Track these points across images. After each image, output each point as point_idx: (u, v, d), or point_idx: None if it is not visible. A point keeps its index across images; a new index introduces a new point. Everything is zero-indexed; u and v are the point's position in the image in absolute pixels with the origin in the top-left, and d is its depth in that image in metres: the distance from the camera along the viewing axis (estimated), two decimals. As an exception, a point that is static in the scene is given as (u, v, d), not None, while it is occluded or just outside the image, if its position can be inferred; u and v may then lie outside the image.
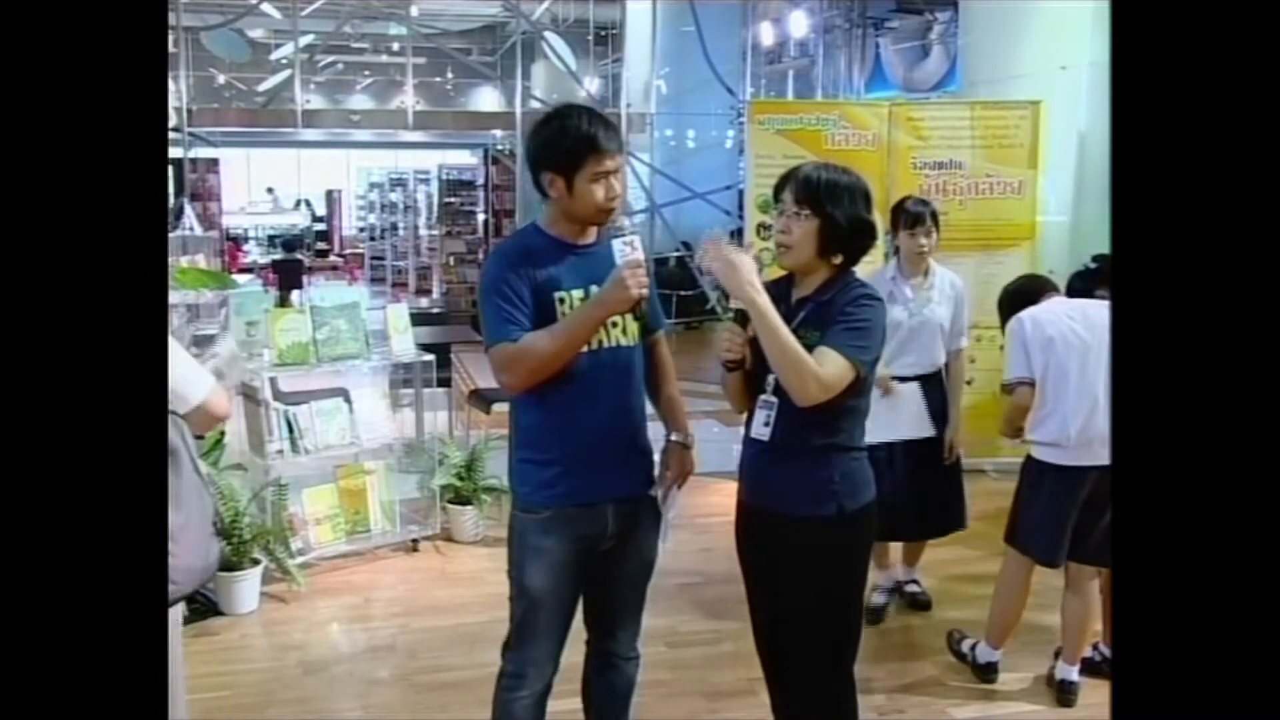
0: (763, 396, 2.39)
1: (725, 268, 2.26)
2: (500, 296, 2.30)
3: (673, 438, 2.52)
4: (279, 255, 14.87)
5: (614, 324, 2.38)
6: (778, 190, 2.40)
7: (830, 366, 2.23)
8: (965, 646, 3.70)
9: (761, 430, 2.39)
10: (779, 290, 2.42)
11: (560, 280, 2.34)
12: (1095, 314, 3.32)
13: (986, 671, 3.60)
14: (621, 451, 2.43)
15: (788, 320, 2.34)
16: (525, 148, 2.43)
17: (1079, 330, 3.32)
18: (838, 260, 2.35)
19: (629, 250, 2.28)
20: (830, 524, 2.34)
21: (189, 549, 2.22)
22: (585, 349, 2.34)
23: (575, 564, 2.42)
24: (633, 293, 2.25)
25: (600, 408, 2.37)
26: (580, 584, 2.47)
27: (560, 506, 2.38)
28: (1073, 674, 3.47)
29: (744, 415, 2.51)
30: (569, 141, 2.29)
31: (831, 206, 2.30)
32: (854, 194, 2.33)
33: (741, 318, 2.34)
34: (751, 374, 2.38)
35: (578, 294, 2.35)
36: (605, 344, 2.37)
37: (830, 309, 2.32)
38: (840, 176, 2.35)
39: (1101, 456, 3.22)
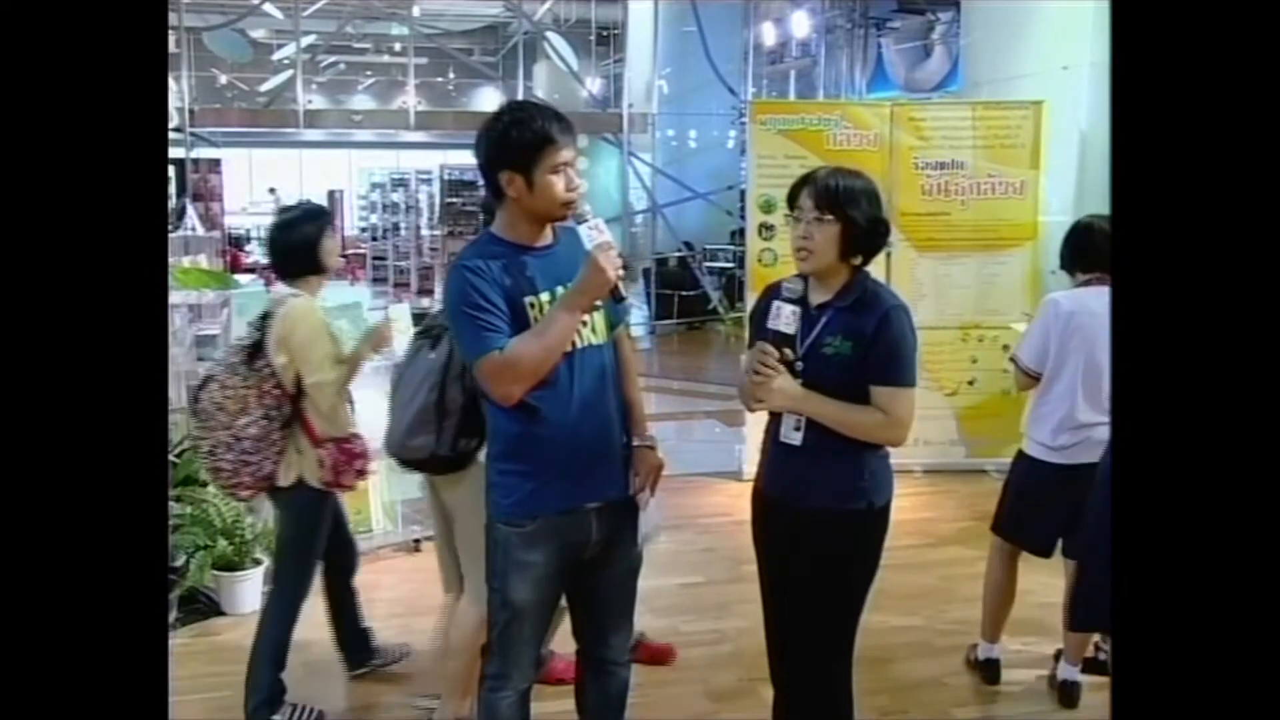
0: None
1: (768, 395, 2.38)
2: (473, 308, 2.22)
3: (636, 443, 2.48)
4: (281, 255, 14.85)
5: (584, 323, 2.31)
6: (792, 197, 2.44)
7: (901, 408, 2.37)
8: (970, 654, 3.70)
9: (792, 435, 2.44)
10: (800, 297, 2.46)
11: (528, 285, 2.28)
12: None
13: (987, 669, 3.60)
14: (602, 455, 2.39)
15: (808, 328, 2.40)
16: (477, 149, 2.33)
17: (1101, 334, 3.22)
18: (857, 261, 2.43)
19: (597, 234, 2.25)
20: (859, 518, 2.44)
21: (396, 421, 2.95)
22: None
23: (558, 574, 2.40)
24: (609, 274, 2.21)
25: (580, 412, 2.32)
26: (560, 591, 2.47)
27: (545, 516, 2.34)
28: (1075, 674, 3.47)
29: (751, 414, 2.54)
30: (524, 137, 2.23)
31: (851, 209, 2.37)
32: (869, 196, 2.41)
33: (785, 340, 2.38)
34: None
35: (545, 297, 2.29)
36: (578, 344, 2.32)
37: (857, 317, 2.38)
38: (854, 181, 2.43)
39: (1093, 455, 3.23)
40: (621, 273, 2.25)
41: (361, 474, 3.29)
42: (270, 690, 3.25)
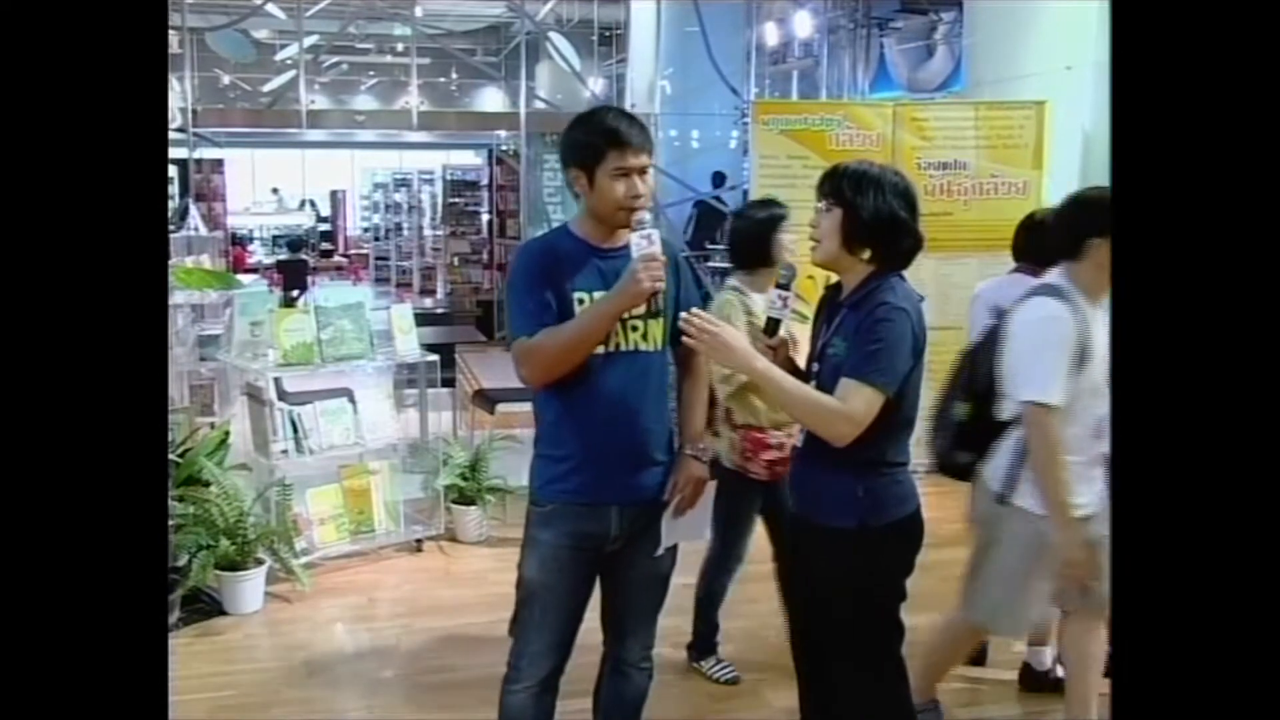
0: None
1: (718, 350, 2.21)
2: (523, 291, 2.33)
3: (687, 450, 2.50)
4: (284, 255, 14.91)
5: (634, 328, 2.36)
6: (817, 193, 2.38)
7: (855, 401, 2.19)
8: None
9: (799, 437, 2.43)
10: (831, 298, 2.43)
11: (581, 282, 2.35)
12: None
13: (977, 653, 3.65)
14: (633, 456, 2.42)
15: (825, 329, 2.36)
16: (560, 146, 2.46)
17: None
18: (866, 256, 2.30)
19: (645, 244, 2.26)
20: (848, 537, 2.32)
21: None
22: (602, 350, 2.34)
23: (573, 561, 2.42)
24: (644, 286, 2.23)
25: (613, 409, 2.37)
26: (582, 584, 2.47)
27: (563, 502, 2.40)
28: (1045, 658, 3.53)
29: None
30: (592, 135, 2.30)
31: (854, 195, 2.27)
32: (883, 187, 2.28)
33: (770, 325, 2.34)
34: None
35: (599, 296, 2.34)
36: (623, 347, 2.36)
37: (854, 317, 2.27)
38: (870, 169, 2.32)
39: None
40: (659, 285, 2.26)
41: (773, 466, 3.33)
42: (705, 630, 3.67)
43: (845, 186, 2.28)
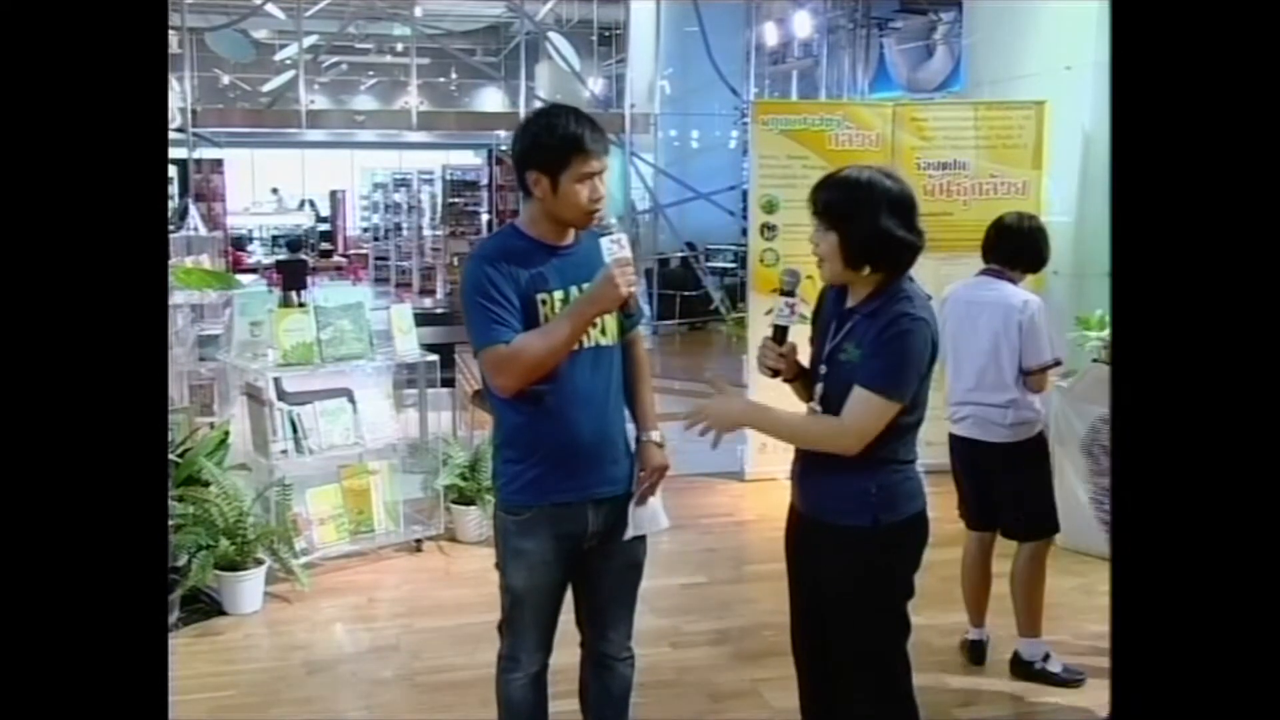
0: (809, 405, 2.40)
1: (718, 418, 2.29)
2: (485, 298, 2.28)
3: (643, 437, 2.53)
4: (283, 255, 14.92)
5: (594, 324, 2.38)
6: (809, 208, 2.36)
7: (866, 412, 2.21)
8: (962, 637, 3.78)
9: None
10: (834, 297, 2.42)
11: (542, 281, 2.34)
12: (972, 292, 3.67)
13: (972, 650, 3.73)
14: (602, 451, 2.44)
15: (836, 332, 2.34)
16: (511, 146, 2.42)
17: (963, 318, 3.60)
18: (867, 272, 2.28)
19: (617, 248, 2.29)
20: (865, 534, 2.33)
21: None
22: None
23: (557, 562, 2.45)
24: (622, 290, 2.27)
25: (582, 407, 2.39)
26: (565, 580, 2.50)
27: (540, 506, 2.40)
28: (1038, 650, 3.57)
29: None
30: (555, 141, 2.29)
31: (841, 221, 2.24)
32: (873, 204, 2.23)
33: (778, 333, 2.35)
34: (806, 380, 2.41)
35: (559, 295, 2.35)
36: (586, 344, 2.38)
37: (872, 324, 2.25)
38: (860, 181, 2.25)
39: (978, 432, 3.50)
40: (634, 289, 2.30)
41: None
42: None
43: (834, 210, 2.25)
